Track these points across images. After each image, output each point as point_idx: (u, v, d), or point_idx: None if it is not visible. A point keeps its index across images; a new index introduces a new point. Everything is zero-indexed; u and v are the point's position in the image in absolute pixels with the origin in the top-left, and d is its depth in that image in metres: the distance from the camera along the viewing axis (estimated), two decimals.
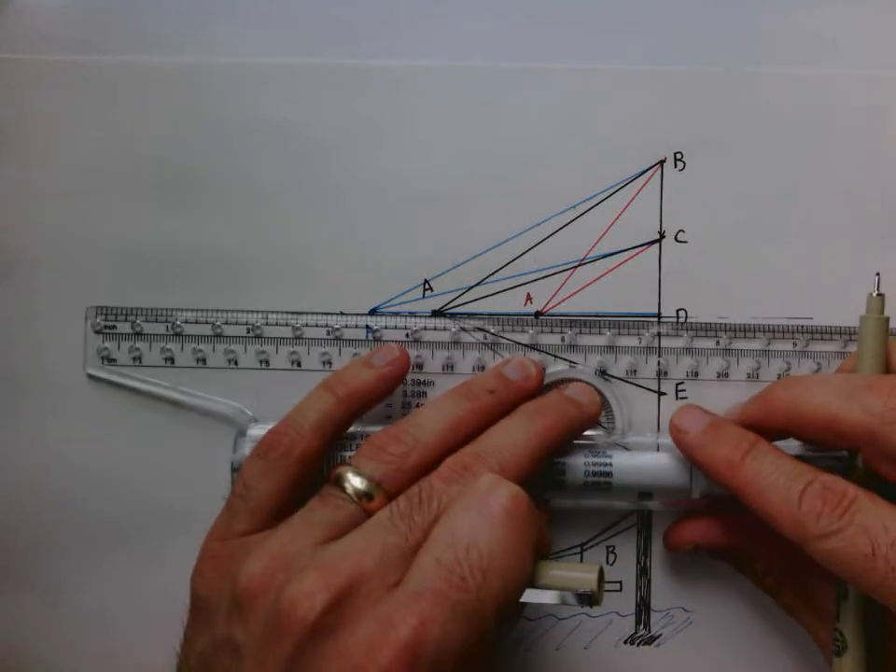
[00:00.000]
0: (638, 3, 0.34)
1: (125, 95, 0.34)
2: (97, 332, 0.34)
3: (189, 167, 0.35)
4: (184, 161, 0.35)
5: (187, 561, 0.33)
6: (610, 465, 0.31)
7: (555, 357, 0.34)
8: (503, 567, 0.25)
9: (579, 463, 0.31)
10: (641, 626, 0.34)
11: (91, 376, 0.34)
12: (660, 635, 0.34)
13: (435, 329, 0.34)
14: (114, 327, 0.34)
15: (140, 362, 0.34)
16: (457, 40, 0.35)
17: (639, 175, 0.34)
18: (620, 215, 0.34)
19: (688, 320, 0.34)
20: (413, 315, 0.34)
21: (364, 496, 0.27)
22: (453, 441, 0.29)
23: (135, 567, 0.35)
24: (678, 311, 0.34)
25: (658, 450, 0.32)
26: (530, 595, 0.26)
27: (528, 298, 0.34)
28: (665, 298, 0.34)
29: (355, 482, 0.28)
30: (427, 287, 0.35)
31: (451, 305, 0.35)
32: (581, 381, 0.34)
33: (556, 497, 0.32)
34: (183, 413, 0.34)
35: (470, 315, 0.34)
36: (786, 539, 0.27)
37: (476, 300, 0.34)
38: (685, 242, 0.34)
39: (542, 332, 0.34)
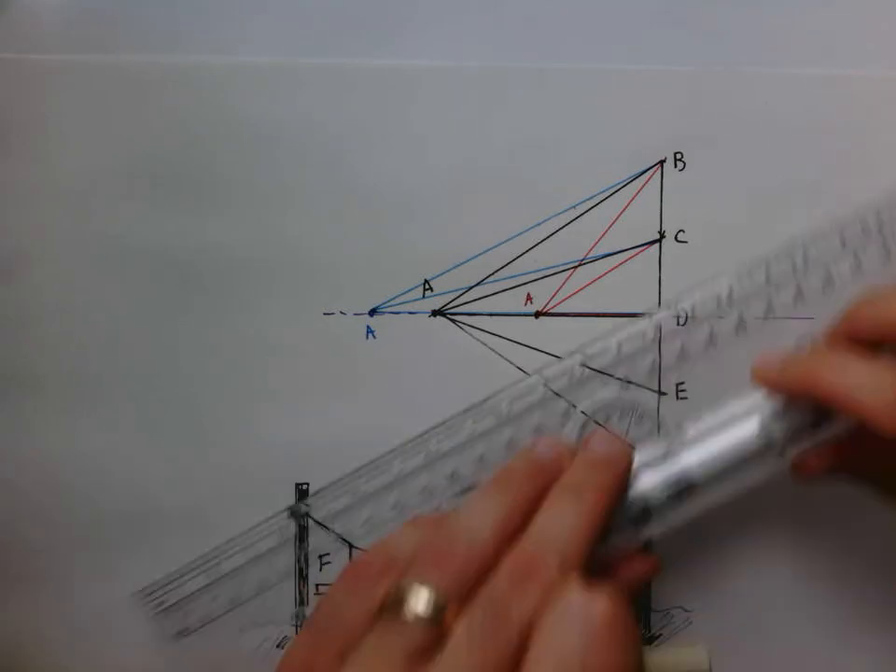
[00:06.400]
0: (639, 3, 0.34)
1: (125, 95, 0.34)
2: (157, 615, 0.34)
3: (189, 167, 0.35)
4: (183, 161, 0.35)
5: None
6: (687, 470, 0.29)
7: (557, 357, 0.34)
8: None
9: (656, 485, 0.29)
10: (641, 626, 0.34)
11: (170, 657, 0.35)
12: (660, 635, 0.34)
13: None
14: (164, 601, 0.34)
15: (210, 618, 0.34)
16: (457, 40, 0.35)
17: (639, 175, 0.34)
18: (620, 215, 0.34)
19: (688, 320, 0.34)
20: (413, 314, 0.34)
21: (433, 612, 0.25)
22: (506, 533, 0.27)
23: (139, 567, 0.35)
24: (678, 311, 0.34)
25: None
26: None
27: (528, 298, 0.34)
28: (666, 298, 0.34)
29: (421, 600, 0.25)
30: (426, 287, 0.35)
31: (451, 305, 0.35)
32: (601, 427, 0.33)
33: (652, 529, 0.30)
34: None
35: (471, 315, 0.35)
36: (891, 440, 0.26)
37: (476, 300, 0.34)
38: (685, 242, 0.34)
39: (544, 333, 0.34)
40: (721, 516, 0.34)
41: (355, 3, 0.35)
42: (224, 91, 0.34)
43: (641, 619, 0.34)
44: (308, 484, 0.34)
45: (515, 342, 0.34)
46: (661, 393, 0.34)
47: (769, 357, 0.30)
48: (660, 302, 0.34)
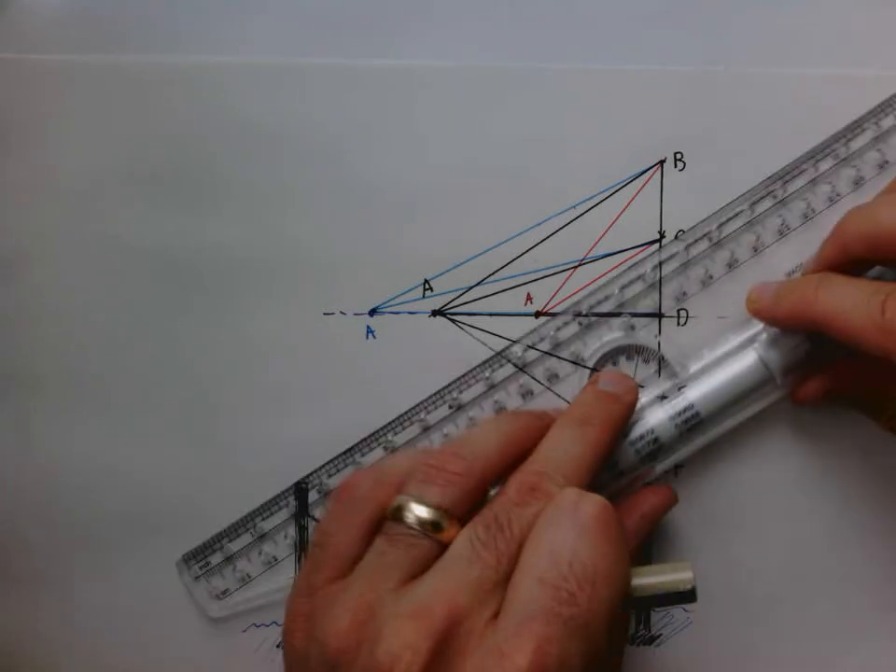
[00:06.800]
0: (638, 3, 0.34)
1: (125, 95, 0.34)
2: (197, 579, 0.34)
3: (189, 167, 0.35)
4: (183, 161, 0.35)
5: None
6: (693, 405, 0.31)
7: (558, 357, 0.34)
8: (608, 574, 0.24)
9: (664, 420, 0.31)
10: (641, 626, 0.34)
11: (217, 619, 0.35)
12: (660, 635, 0.34)
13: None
14: (208, 563, 0.34)
15: (249, 578, 0.34)
16: (457, 40, 0.35)
17: (639, 175, 0.34)
18: (620, 215, 0.34)
19: (689, 320, 0.34)
20: (413, 314, 0.34)
21: (433, 526, 0.26)
22: (510, 454, 0.28)
23: (140, 567, 0.35)
24: (678, 311, 0.34)
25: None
26: (630, 603, 0.26)
27: (528, 298, 0.34)
28: (666, 298, 0.34)
29: (420, 513, 0.26)
30: (426, 287, 0.35)
31: (451, 305, 0.35)
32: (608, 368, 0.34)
33: (661, 462, 0.32)
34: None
35: (470, 315, 0.35)
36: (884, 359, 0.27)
37: (476, 300, 0.34)
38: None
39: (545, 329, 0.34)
40: (722, 511, 0.34)
41: (355, 3, 0.35)
42: (224, 90, 0.34)
43: (642, 618, 0.34)
44: (308, 484, 0.34)
45: (515, 342, 0.34)
46: (663, 396, 0.34)
47: (762, 287, 0.32)
48: (660, 302, 0.34)
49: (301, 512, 0.35)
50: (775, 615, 0.34)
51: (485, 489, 0.27)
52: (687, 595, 0.26)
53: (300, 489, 0.35)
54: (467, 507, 0.27)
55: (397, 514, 0.26)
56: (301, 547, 0.35)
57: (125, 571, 0.35)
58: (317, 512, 0.34)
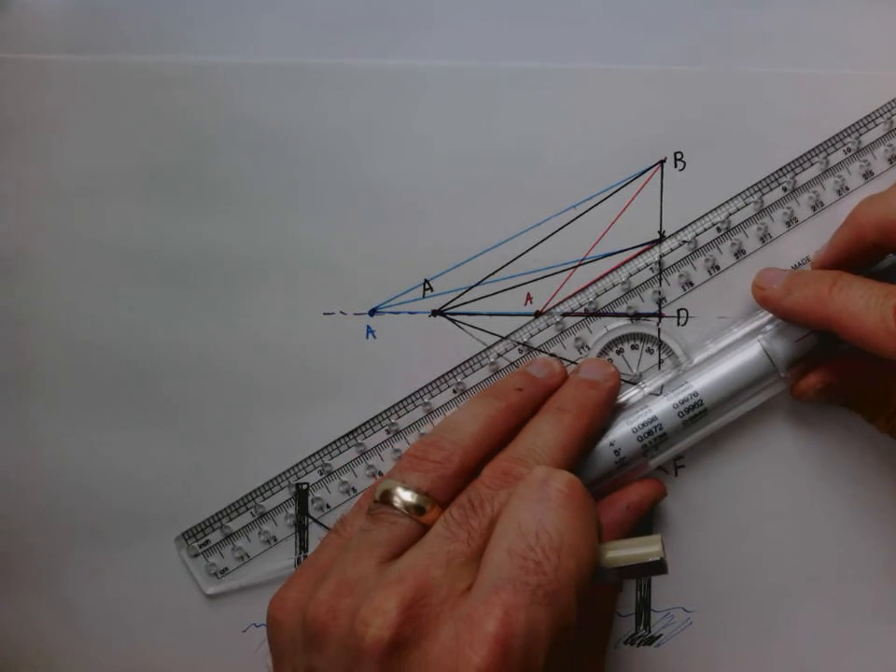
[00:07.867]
0: (639, 3, 0.34)
1: (125, 95, 0.34)
2: (195, 556, 0.34)
3: (190, 167, 0.35)
4: (184, 161, 0.35)
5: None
6: (696, 393, 0.32)
7: (557, 357, 0.34)
8: (574, 545, 0.25)
9: (668, 408, 0.32)
10: (641, 626, 0.34)
11: (212, 595, 0.35)
12: (660, 635, 0.34)
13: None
14: (207, 541, 0.34)
15: (248, 557, 0.35)
16: (457, 40, 0.35)
17: (639, 175, 0.34)
18: (620, 215, 0.34)
19: (689, 320, 0.34)
20: (412, 314, 0.34)
21: (415, 508, 0.27)
22: (489, 440, 0.30)
23: (139, 567, 0.35)
24: (678, 311, 0.34)
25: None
26: (601, 575, 0.27)
27: (528, 298, 0.34)
28: (666, 298, 0.34)
29: (404, 496, 0.27)
30: (426, 286, 0.35)
31: (451, 305, 0.35)
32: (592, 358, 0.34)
33: (662, 454, 0.32)
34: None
35: (470, 315, 0.35)
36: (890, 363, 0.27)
37: (476, 300, 0.35)
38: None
39: (543, 329, 0.34)
40: (722, 510, 0.34)
41: (358, 4, 0.35)
42: (225, 91, 0.34)
43: (642, 618, 0.34)
44: (308, 484, 0.34)
45: (515, 341, 0.34)
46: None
47: (770, 274, 0.32)
48: (661, 302, 0.34)
49: (301, 513, 0.35)
50: (775, 615, 0.34)
51: (466, 475, 0.29)
52: (656, 567, 0.27)
53: (300, 490, 0.35)
54: (448, 492, 0.28)
55: (383, 497, 0.28)
56: (303, 547, 0.35)
57: (124, 571, 0.35)
58: (319, 493, 0.35)
